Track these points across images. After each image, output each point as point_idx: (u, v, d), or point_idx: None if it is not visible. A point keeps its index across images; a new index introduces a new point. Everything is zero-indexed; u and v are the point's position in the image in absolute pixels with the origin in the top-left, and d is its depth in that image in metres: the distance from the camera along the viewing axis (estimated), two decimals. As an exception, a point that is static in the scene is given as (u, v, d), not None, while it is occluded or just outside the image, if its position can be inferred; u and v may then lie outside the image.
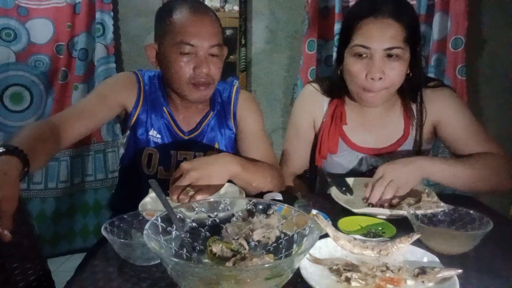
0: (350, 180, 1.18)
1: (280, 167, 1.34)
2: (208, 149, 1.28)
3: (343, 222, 0.95)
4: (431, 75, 2.24)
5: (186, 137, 1.28)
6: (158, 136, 1.26)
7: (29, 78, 2.30)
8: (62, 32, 2.29)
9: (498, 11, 2.27)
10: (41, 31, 2.27)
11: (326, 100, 1.33)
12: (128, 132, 1.27)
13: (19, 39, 2.25)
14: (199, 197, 0.94)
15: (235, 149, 1.34)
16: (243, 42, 2.41)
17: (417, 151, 1.27)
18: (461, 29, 2.17)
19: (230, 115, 1.32)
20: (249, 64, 2.48)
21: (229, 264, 0.68)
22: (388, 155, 1.28)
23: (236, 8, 2.41)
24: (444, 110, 1.24)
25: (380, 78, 1.13)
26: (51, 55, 2.30)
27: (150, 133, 1.26)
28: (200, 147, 1.28)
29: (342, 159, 1.31)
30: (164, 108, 1.27)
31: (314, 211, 0.95)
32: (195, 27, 1.13)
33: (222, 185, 1.03)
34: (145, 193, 1.03)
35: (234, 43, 2.43)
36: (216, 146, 1.30)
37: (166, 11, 1.18)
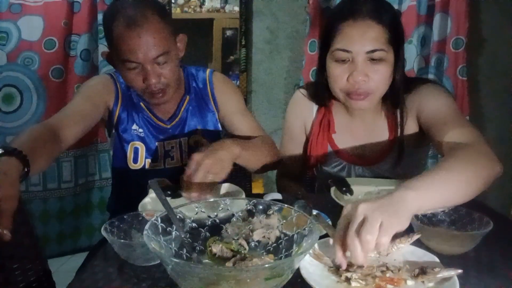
0: (350, 180, 1.18)
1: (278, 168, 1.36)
2: (191, 134, 1.32)
3: (343, 222, 0.95)
4: (431, 75, 2.23)
5: (168, 126, 1.30)
6: (141, 130, 1.29)
7: (18, 78, 2.25)
8: (55, 28, 2.23)
9: (498, 11, 2.27)
10: (32, 28, 2.21)
11: (315, 106, 1.31)
12: (114, 131, 1.29)
13: (10, 39, 2.19)
14: (216, 178, 0.98)
15: (220, 130, 1.37)
16: (243, 42, 2.41)
17: (399, 156, 1.22)
18: (461, 29, 2.17)
19: (209, 97, 1.34)
20: (250, 64, 2.48)
21: (229, 264, 0.68)
22: (376, 164, 1.25)
23: (237, 8, 2.41)
24: (423, 98, 1.17)
25: (364, 81, 1.10)
26: (41, 52, 2.24)
27: (133, 127, 1.29)
28: (183, 133, 1.31)
29: (330, 168, 1.29)
30: (141, 103, 1.29)
31: (314, 211, 0.94)
32: (133, 44, 1.09)
33: (229, 170, 1.04)
34: (136, 190, 1.04)
35: (234, 43, 2.44)
36: (199, 129, 1.33)
37: (107, 20, 1.15)
